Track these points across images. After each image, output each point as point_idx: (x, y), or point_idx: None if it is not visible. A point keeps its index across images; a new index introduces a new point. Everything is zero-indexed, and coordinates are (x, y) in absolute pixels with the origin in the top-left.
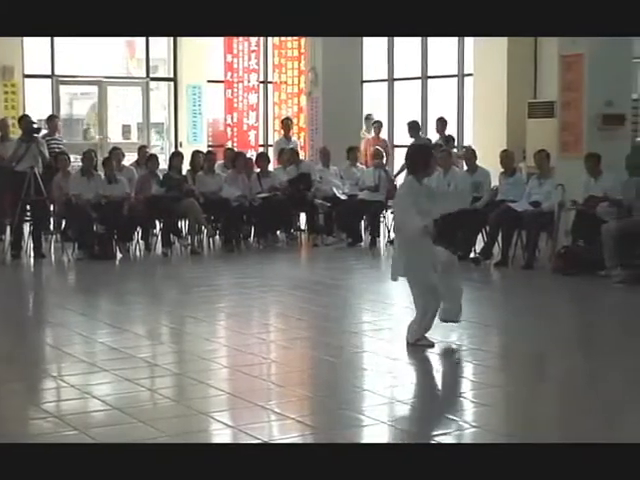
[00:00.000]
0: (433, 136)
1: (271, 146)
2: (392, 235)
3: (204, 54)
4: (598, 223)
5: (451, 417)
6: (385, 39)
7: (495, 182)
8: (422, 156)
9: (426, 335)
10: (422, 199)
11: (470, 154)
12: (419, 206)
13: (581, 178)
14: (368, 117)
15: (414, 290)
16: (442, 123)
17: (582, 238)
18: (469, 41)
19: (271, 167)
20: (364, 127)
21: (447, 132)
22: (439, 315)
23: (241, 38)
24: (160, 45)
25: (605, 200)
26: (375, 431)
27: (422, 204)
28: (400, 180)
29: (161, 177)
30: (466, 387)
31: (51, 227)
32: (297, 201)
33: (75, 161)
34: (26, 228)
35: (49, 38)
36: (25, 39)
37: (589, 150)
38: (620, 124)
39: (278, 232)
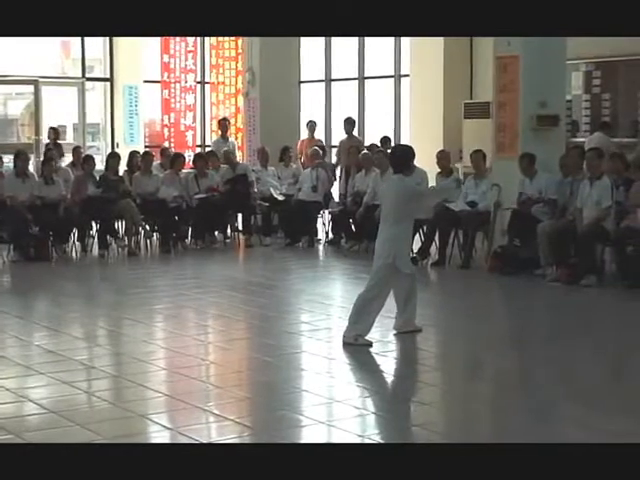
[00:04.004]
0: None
1: (208, 147)
2: (330, 235)
3: (140, 54)
4: (534, 223)
5: (389, 416)
6: (322, 40)
7: (432, 182)
8: (410, 156)
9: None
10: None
11: None
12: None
13: (518, 178)
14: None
15: (380, 274)
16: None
17: (518, 237)
18: (405, 42)
19: None
20: (307, 134)
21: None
22: (395, 326)
23: (178, 38)
24: (96, 45)
25: (540, 200)
26: (314, 431)
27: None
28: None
29: (97, 178)
30: (405, 386)
31: None
32: (235, 202)
33: (9, 162)
34: None
35: None
36: None
37: (524, 151)
38: (554, 125)
39: (215, 233)
